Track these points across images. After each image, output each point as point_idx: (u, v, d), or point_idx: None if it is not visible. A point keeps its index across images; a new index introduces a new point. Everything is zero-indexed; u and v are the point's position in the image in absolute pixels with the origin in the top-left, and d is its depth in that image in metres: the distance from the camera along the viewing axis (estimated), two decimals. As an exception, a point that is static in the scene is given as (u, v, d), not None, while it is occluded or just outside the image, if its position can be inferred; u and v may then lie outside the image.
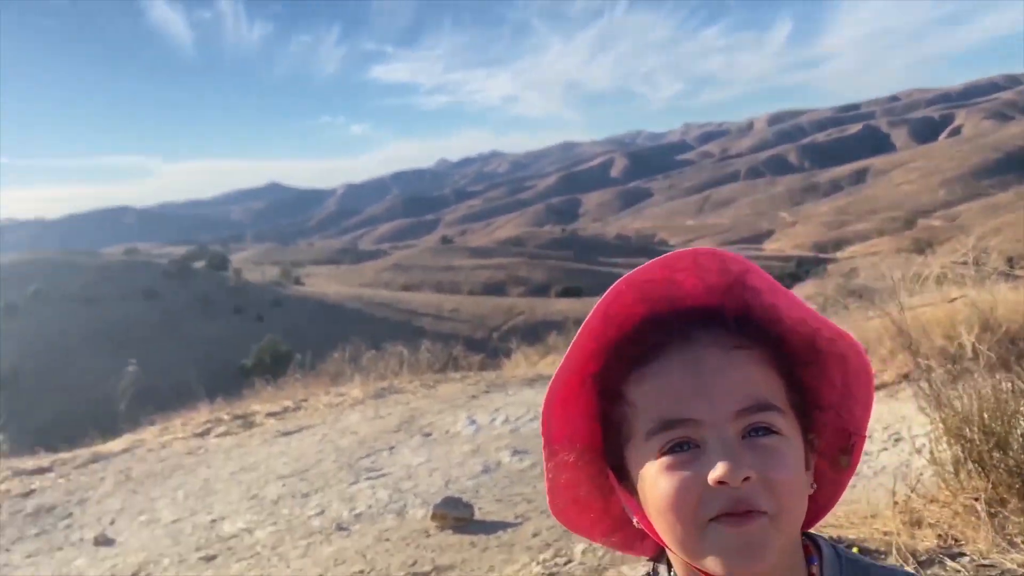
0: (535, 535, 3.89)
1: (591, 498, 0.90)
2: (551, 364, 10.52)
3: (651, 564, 0.90)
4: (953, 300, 7.94)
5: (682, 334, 0.79)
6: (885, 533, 2.82)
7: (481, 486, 5.08)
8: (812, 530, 0.89)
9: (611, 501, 0.88)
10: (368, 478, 5.47)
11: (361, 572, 3.85)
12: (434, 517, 4.38)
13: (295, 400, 8.53)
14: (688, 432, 0.74)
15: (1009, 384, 3.06)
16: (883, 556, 2.52)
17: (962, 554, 2.52)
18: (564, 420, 0.85)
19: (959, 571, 2.41)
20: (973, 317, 5.88)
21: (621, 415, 0.81)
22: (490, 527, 4.30)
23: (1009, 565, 2.45)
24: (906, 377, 5.90)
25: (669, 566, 0.86)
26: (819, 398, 0.84)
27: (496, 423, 6.60)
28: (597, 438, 0.85)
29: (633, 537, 0.91)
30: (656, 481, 0.76)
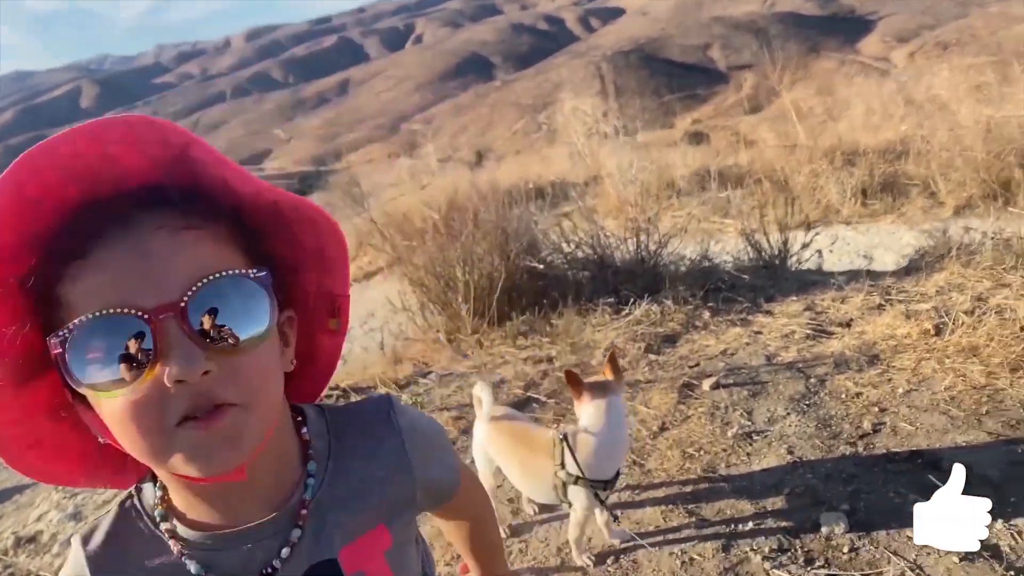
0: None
1: (54, 435, 0.75)
2: None
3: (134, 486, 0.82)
4: (424, 187, 9.43)
5: (121, 219, 0.67)
6: (378, 375, 3.49)
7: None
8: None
9: (82, 430, 0.73)
10: None
11: None
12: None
13: None
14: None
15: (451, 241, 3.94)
16: (373, 390, 3.16)
17: (430, 372, 3.28)
18: None
19: (429, 384, 3.16)
20: (440, 199, 7.13)
21: (60, 322, 0.66)
22: None
23: (462, 370, 3.27)
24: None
25: (156, 478, 0.79)
26: (295, 264, 0.80)
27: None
28: (39, 353, 0.69)
29: (124, 463, 0.78)
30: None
